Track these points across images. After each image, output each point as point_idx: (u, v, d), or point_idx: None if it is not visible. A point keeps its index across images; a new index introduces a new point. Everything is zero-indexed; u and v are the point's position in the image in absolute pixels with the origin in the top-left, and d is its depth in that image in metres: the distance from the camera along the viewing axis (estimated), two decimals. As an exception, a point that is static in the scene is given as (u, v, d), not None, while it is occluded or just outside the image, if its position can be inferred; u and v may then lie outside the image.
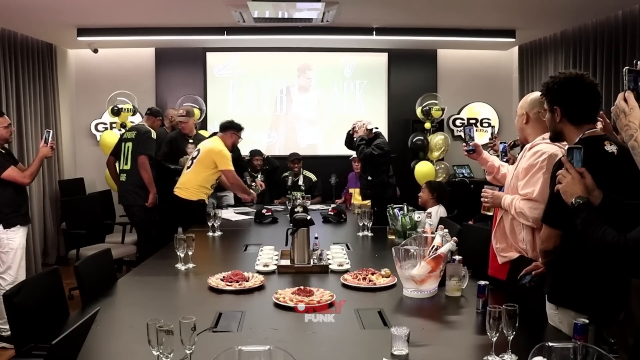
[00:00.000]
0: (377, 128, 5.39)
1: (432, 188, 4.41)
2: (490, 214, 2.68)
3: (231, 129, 4.71)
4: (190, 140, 5.19)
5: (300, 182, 5.75)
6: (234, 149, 4.97)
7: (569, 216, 1.79)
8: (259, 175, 5.78)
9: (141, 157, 4.75)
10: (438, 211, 4.25)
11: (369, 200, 5.57)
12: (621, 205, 1.78)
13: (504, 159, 3.15)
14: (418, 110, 6.41)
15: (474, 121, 6.87)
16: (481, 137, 6.50)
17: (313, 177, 5.86)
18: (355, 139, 5.34)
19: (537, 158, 2.32)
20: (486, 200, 2.56)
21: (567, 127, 2.00)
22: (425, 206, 4.37)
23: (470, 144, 2.91)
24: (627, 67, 1.71)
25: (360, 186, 5.54)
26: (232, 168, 4.58)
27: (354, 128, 5.40)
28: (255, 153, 5.86)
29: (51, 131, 3.92)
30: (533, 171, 2.33)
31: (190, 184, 4.54)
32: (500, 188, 2.67)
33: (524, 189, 2.35)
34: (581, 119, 1.98)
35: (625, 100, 1.68)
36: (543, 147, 2.33)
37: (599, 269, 1.87)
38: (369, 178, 5.37)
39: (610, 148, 1.90)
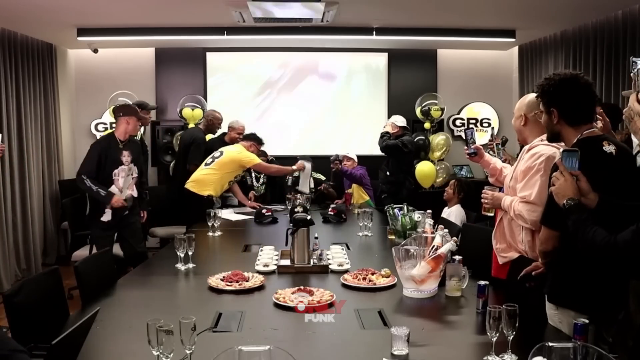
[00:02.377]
0: (407, 128, 5.62)
1: (461, 188, 4.30)
2: (491, 214, 2.68)
3: (253, 140, 5.10)
4: (120, 146, 3.98)
5: (312, 185, 5.72)
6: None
7: (563, 215, 1.80)
8: (262, 176, 5.76)
9: None
10: (458, 212, 4.22)
11: (367, 197, 5.59)
12: (619, 207, 1.78)
13: (472, 148, 2.98)
14: (417, 111, 6.41)
15: (474, 121, 6.87)
16: (481, 137, 6.50)
17: (322, 177, 5.85)
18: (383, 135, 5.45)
19: (534, 160, 2.32)
20: (486, 201, 2.56)
21: (564, 128, 2.01)
22: (448, 203, 4.34)
23: (472, 146, 2.89)
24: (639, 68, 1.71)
25: (379, 180, 5.66)
26: (259, 160, 4.97)
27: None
28: (259, 154, 5.84)
29: (0, 134, 3.80)
30: (531, 173, 2.32)
31: (205, 181, 4.76)
32: (501, 189, 2.67)
33: (522, 192, 2.35)
34: (578, 120, 1.98)
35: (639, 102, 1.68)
36: (541, 149, 2.33)
37: (599, 269, 1.87)
38: (388, 173, 5.42)
39: (609, 148, 1.90)
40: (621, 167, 1.89)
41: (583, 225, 1.72)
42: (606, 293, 1.91)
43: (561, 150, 1.89)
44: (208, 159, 4.93)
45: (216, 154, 4.93)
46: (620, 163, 1.89)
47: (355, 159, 5.76)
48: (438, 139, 6.44)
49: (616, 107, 3.65)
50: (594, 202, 1.78)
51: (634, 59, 2.33)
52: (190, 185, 4.80)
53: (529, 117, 2.44)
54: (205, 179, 4.77)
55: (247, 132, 5.32)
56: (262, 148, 5.96)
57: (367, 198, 5.60)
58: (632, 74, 2.41)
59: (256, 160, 4.93)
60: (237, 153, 4.91)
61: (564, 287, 1.97)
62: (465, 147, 2.93)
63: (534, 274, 2.18)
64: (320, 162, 5.84)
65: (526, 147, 2.45)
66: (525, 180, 2.35)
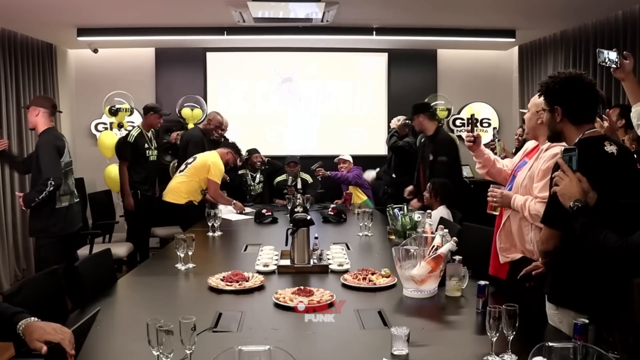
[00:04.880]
0: (408, 124, 5.59)
1: (435, 190, 4.23)
2: (496, 213, 2.66)
3: (232, 148, 5.02)
4: None
5: (299, 186, 5.73)
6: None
7: (569, 217, 1.79)
8: (258, 175, 5.76)
9: (120, 164, 5.11)
10: (440, 213, 4.17)
11: (365, 197, 5.59)
12: (616, 205, 1.78)
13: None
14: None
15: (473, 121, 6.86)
16: (482, 136, 6.50)
17: (309, 178, 5.86)
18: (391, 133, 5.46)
19: (556, 160, 2.29)
20: (494, 200, 2.55)
21: (567, 127, 2.00)
22: (430, 208, 4.25)
23: (474, 134, 2.86)
24: None
25: (382, 181, 5.68)
26: (219, 182, 4.75)
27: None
28: (252, 152, 5.83)
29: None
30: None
31: (181, 190, 4.68)
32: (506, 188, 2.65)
33: (542, 192, 2.31)
34: (581, 119, 1.98)
35: None
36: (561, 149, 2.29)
37: (599, 269, 1.87)
38: (393, 175, 5.42)
39: (610, 148, 1.90)
40: (623, 167, 1.89)
41: (593, 228, 1.71)
42: (606, 293, 1.91)
43: (562, 149, 1.87)
44: (182, 166, 4.87)
45: (189, 160, 4.84)
46: (621, 163, 1.89)
47: (351, 160, 5.77)
48: None
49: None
50: (593, 200, 1.78)
51: (600, 49, 2.42)
52: (167, 197, 4.73)
53: None
54: (180, 187, 4.69)
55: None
56: (259, 148, 5.97)
57: (365, 198, 5.60)
58: (604, 65, 2.49)
59: (216, 178, 4.69)
60: (209, 159, 4.74)
61: (564, 287, 1.97)
62: (469, 132, 2.87)
63: (534, 273, 2.18)
64: (317, 162, 5.84)
65: (544, 146, 2.42)
66: (545, 180, 2.31)
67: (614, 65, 2.48)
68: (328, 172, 5.55)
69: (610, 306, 1.96)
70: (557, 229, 1.95)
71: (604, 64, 2.47)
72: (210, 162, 4.72)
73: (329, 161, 5.93)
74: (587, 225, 1.73)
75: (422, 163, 4.81)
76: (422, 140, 4.96)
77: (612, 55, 2.45)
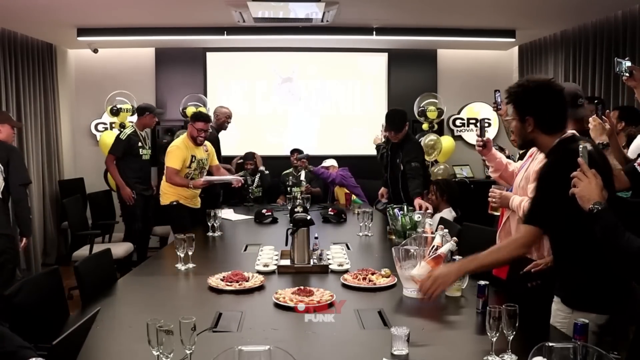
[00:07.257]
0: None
1: (442, 190, 4.17)
2: (497, 214, 2.67)
3: (192, 118, 4.44)
4: None
5: (302, 177, 5.68)
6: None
7: (587, 220, 1.74)
8: (257, 179, 5.70)
9: (107, 157, 5.09)
10: (446, 215, 4.13)
11: (354, 196, 5.58)
12: (622, 203, 1.77)
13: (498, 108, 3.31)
14: (415, 112, 6.39)
15: (473, 121, 6.84)
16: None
17: (303, 181, 5.80)
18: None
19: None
20: (494, 200, 2.54)
21: (540, 136, 1.95)
22: (437, 209, 4.24)
23: (484, 138, 2.82)
24: None
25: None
26: (173, 166, 4.29)
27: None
28: (247, 157, 5.77)
29: None
30: None
31: (164, 190, 4.51)
32: (508, 189, 2.65)
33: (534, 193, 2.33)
34: (554, 128, 1.94)
35: None
36: None
37: (610, 268, 1.84)
38: None
39: (588, 147, 1.88)
40: (601, 164, 1.84)
41: (614, 232, 1.64)
42: (624, 290, 1.88)
43: (580, 147, 1.77)
44: None
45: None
46: (599, 160, 1.85)
47: (334, 164, 5.77)
48: (446, 141, 6.39)
49: (632, 109, 3.64)
50: (604, 199, 1.72)
51: (618, 59, 2.47)
52: (161, 200, 4.53)
53: None
54: (163, 188, 4.49)
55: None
56: (259, 148, 5.94)
57: (354, 197, 5.58)
58: (619, 74, 2.53)
59: (169, 163, 4.31)
60: (171, 146, 4.44)
61: (583, 291, 1.90)
62: (479, 136, 2.84)
63: (533, 271, 2.18)
64: (319, 162, 5.83)
65: None
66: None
67: (627, 74, 2.52)
68: (311, 167, 5.51)
69: (630, 302, 1.91)
70: (541, 228, 1.91)
71: (624, 74, 2.52)
72: (169, 147, 4.42)
73: (319, 161, 5.88)
74: (608, 229, 1.66)
75: (391, 170, 4.57)
76: (385, 148, 4.69)
77: (628, 64, 2.51)
